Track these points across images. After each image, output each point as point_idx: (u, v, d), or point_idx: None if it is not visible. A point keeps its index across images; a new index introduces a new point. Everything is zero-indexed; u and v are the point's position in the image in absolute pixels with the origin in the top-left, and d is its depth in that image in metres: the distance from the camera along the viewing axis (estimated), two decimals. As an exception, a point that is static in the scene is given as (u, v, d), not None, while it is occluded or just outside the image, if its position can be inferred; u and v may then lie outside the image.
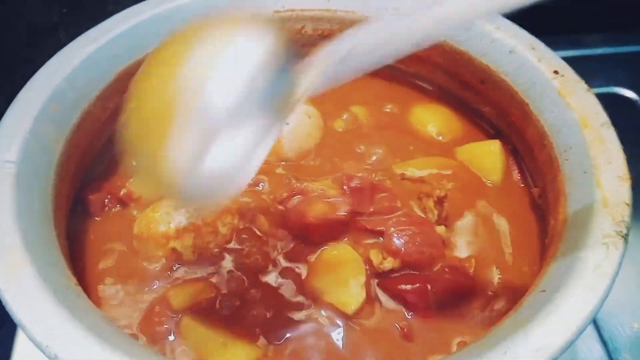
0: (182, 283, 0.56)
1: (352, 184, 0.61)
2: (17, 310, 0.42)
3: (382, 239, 0.59)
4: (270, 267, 0.58)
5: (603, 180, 0.52)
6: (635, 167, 0.54)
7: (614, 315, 0.73)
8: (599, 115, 0.58)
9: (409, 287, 0.55)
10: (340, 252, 0.59)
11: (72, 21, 0.90)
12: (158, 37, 0.65)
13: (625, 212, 0.50)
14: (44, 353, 0.40)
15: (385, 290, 0.56)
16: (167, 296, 0.55)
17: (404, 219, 0.59)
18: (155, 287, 0.56)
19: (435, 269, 0.57)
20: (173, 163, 0.39)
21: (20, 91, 0.57)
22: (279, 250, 0.59)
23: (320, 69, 0.42)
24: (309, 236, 0.59)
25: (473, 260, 0.58)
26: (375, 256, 0.57)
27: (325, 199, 0.61)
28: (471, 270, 0.58)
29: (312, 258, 0.58)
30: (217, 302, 0.55)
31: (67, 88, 0.59)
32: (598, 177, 0.53)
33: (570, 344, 0.42)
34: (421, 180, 0.64)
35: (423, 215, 0.61)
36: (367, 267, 0.57)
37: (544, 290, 0.47)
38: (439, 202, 0.61)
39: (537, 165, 0.63)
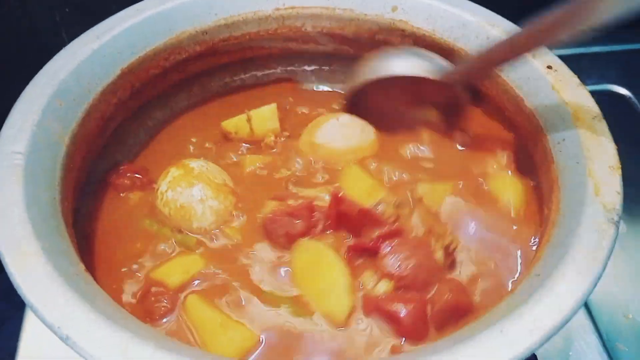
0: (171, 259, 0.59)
1: (340, 207, 0.58)
2: (29, 294, 0.43)
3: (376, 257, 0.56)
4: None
5: (595, 170, 0.54)
6: (628, 161, 0.56)
7: (608, 306, 0.75)
8: (591, 109, 0.59)
9: (403, 308, 0.52)
10: (315, 256, 0.58)
11: (74, 21, 0.92)
12: (159, 35, 0.67)
13: (616, 200, 0.51)
14: (56, 334, 0.42)
15: (375, 310, 0.54)
16: (162, 273, 0.57)
17: (398, 240, 0.57)
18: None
19: (433, 291, 0.55)
20: None
21: (27, 86, 0.58)
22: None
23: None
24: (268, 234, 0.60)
25: (479, 285, 0.57)
26: (367, 279, 0.56)
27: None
28: (476, 297, 0.56)
29: (287, 259, 0.59)
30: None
31: (72, 83, 0.60)
32: (590, 167, 0.54)
33: (562, 325, 0.44)
34: (436, 216, 0.62)
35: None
36: (359, 283, 0.56)
37: (538, 275, 0.48)
38: (447, 249, 0.58)
39: (531, 157, 0.64)
